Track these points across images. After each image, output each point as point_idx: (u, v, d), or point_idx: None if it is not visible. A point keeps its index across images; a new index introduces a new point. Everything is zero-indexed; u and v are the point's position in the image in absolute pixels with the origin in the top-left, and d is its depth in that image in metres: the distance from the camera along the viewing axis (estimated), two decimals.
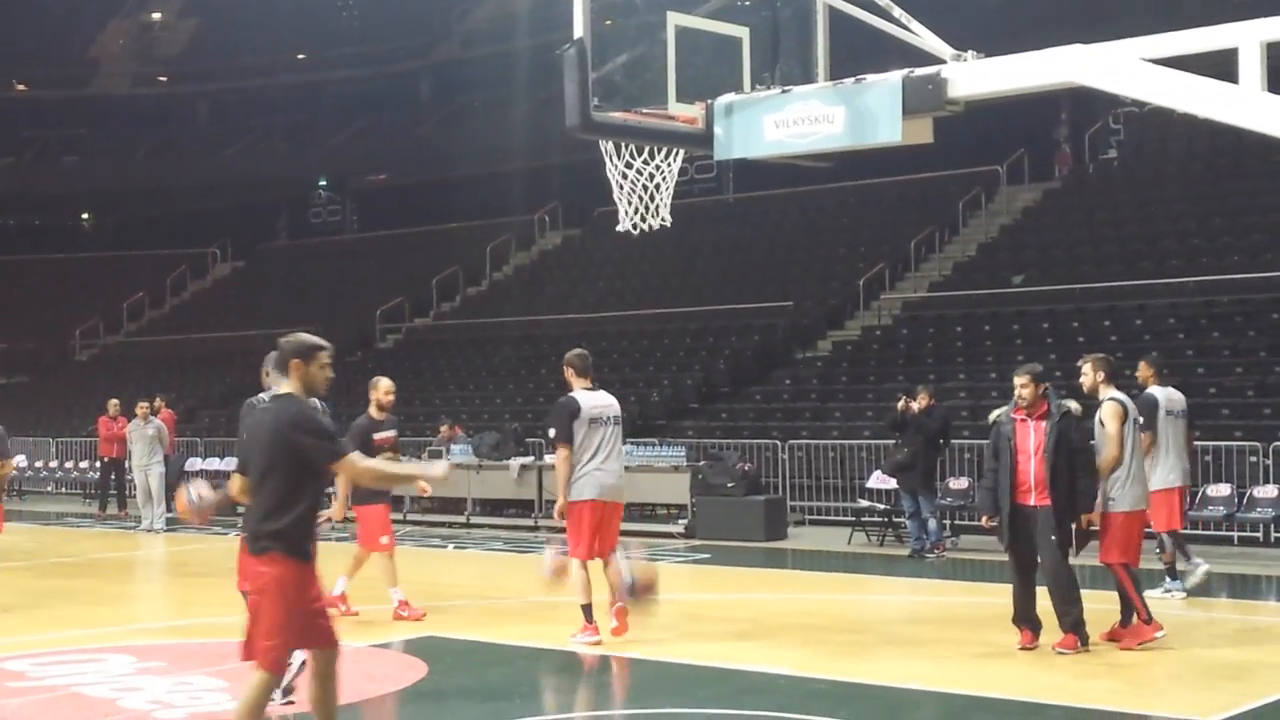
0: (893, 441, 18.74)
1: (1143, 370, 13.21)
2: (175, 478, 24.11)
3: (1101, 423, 10.50)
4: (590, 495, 10.66)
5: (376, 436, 12.19)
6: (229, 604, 13.71)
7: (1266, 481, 17.28)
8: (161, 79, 48.18)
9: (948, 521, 18.27)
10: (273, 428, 6.69)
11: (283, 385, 6.87)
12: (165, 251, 44.00)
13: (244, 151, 46.78)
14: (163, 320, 41.54)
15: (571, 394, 10.87)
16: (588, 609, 10.77)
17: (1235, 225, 25.33)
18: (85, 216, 50.97)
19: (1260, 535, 17.31)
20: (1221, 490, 17.17)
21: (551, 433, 11.33)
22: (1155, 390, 12.83)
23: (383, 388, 12.47)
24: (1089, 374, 10.86)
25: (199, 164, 45.73)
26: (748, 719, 8.48)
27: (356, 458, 6.89)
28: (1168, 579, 13.19)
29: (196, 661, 10.36)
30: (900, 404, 17.04)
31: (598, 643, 10.70)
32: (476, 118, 43.12)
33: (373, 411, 12.44)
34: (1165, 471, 12.63)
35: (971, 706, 9.09)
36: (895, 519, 18.55)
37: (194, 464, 26.91)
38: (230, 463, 26.17)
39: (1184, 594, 13.02)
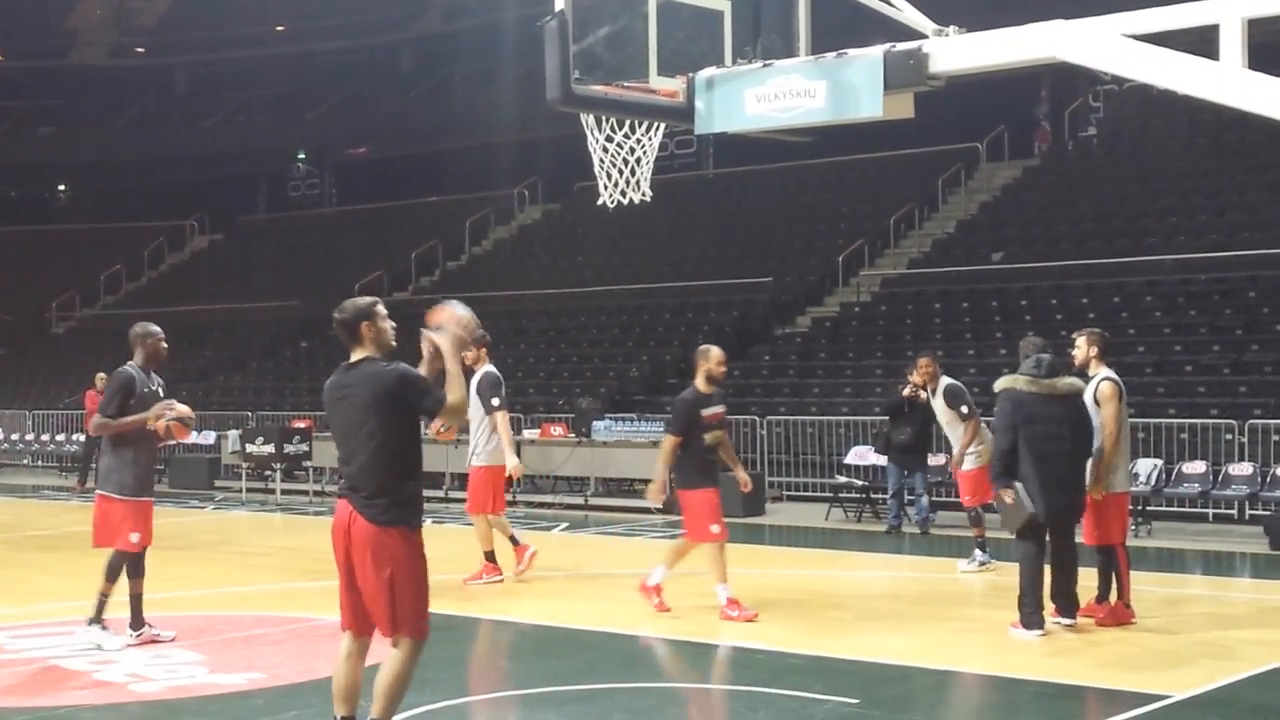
0: (883, 419, 18.80)
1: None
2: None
3: (1097, 402, 10.50)
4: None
5: (705, 412, 11.00)
6: (205, 577, 13.75)
7: (1242, 459, 17.36)
8: (139, 50, 47.92)
9: (938, 498, 18.38)
10: (370, 392, 6.56)
11: (355, 350, 6.78)
12: (143, 224, 43.80)
13: (222, 124, 46.58)
14: (140, 293, 41.37)
15: (693, 387, 11.10)
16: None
17: (1213, 204, 25.41)
18: (62, 188, 50.70)
19: (1235, 512, 17.40)
20: (1197, 468, 17.25)
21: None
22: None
23: (714, 357, 11.03)
24: (1082, 348, 10.85)
25: (177, 136, 45.49)
26: (725, 693, 8.50)
27: (456, 398, 6.59)
28: (977, 551, 13.77)
29: (173, 634, 10.32)
30: (908, 390, 17.00)
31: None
32: (457, 92, 42.99)
33: (700, 384, 11.05)
34: (979, 449, 13.53)
35: (948, 681, 9.13)
36: (873, 495, 18.61)
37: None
38: (208, 436, 26.15)
39: (987, 566, 13.65)
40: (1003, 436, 10.22)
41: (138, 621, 9.90)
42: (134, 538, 9.72)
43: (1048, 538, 10.19)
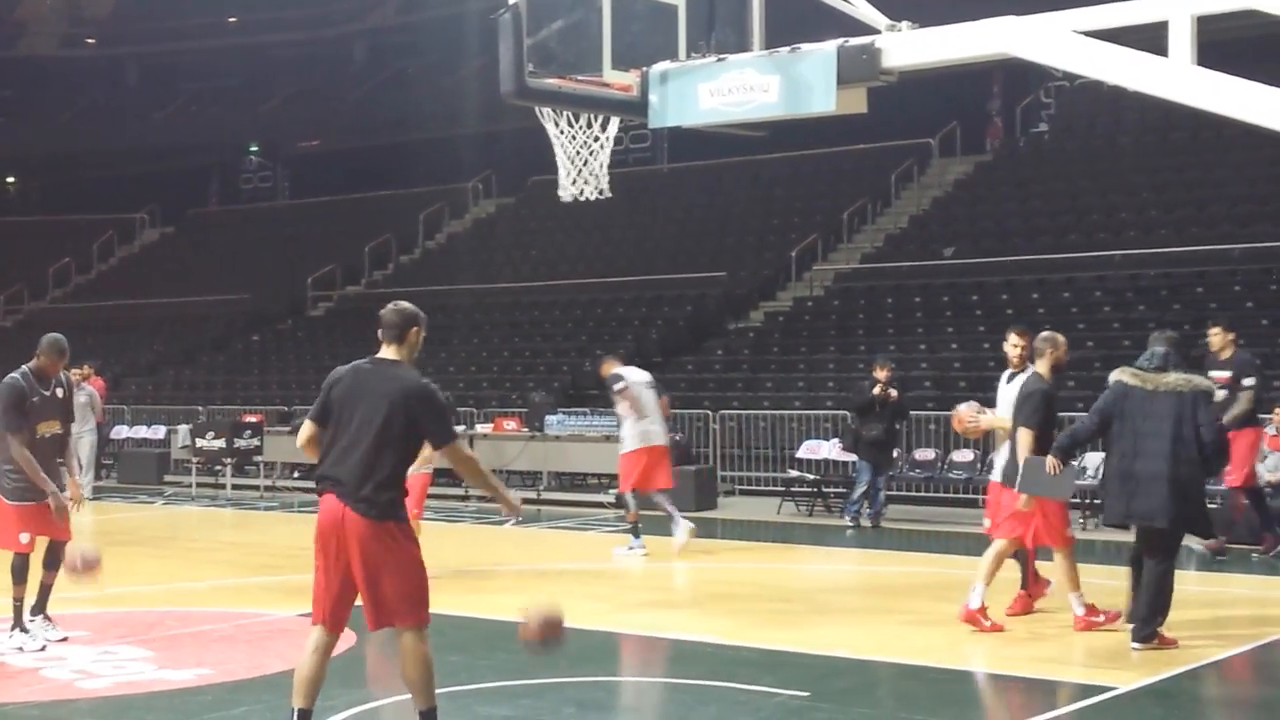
0: (843, 415, 18.94)
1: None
2: (103, 446, 23.90)
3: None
4: None
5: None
6: (154, 573, 13.64)
7: None
8: (90, 41, 47.42)
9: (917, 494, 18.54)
10: (401, 396, 6.64)
11: (393, 350, 6.81)
12: (93, 216, 43.36)
13: (174, 115, 46.19)
14: (90, 286, 40.99)
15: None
16: None
17: (1162, 200, 25.62)
18: (10, 180, 50.17)
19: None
20: None
21: None
22: None
23: (1064, 345, 10.34)
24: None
25: (128, 128, 45.05)
26: (674, 686, 8.50)
27: (462, 444, 6.93)
28: (632, 538, 14.40)
29: (121, 631, 10.25)
30: (877, 389, 17.09)
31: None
32: (411, 85, 42.80)
33: (1045, 372, 10.31)
34: (635, 435, 14.34)
35: (898, 674, 9.17)
36: (825, 489, 18.67)
37: (120, 431, 26.60)
38: (157, 430, 25.95)
39: (643, 551, 14.31)
40: (1087, 418, 9.83)
41: (39, 608, 9.77)
42: (23, 538, 9.59)
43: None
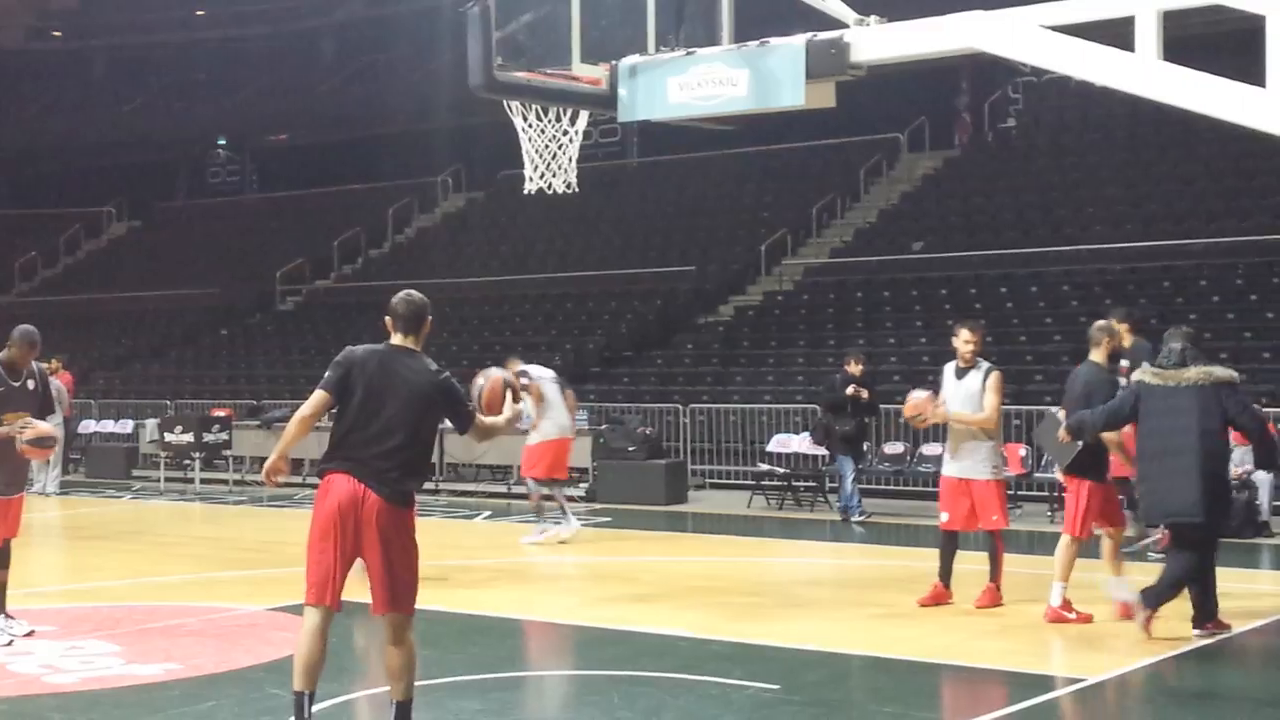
0: (813, 408, 18.99)
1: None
2: (71, 440, 23.77)
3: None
4: None
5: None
6: (122, 568, 13.59)
7: None
8: (56, 34, 47.11)
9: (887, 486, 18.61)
10: (433, 390, 6.78)
11: (409, 340, 6.90)
12: (59, 210, 43.11)
13: (141, 109, 45.89)
14: (56, 280, 40.74)
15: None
16: None
17: (1129, 195, 25.74)
18: None
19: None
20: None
21: None
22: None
23: (1119, 335, 10.37)
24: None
25: (94, 121, 44.74)
26: (645, 680, 8.52)
27: (479, 418, 7.04)
28: (543, 522, 15.07)
29: (89, 626, 10.21)
30: (850, 390, 17.13)
31: None
32: (380, 78, 42.64)
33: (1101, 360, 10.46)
34: (547, 427, 14.98)
35: (868, 666, 9.20)
36: (795, 483, 18.72)
37: (88, 426, 26.47)
38: (125, 425, 25.82)
39: (542, 539, 14.85)
40: (1098, 413, 9.80)
41: None
42: None
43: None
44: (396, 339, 6.91)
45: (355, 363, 6.78)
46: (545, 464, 15.25)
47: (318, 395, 6.77)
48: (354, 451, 6.67)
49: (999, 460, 10.89)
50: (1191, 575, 9.47)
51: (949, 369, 10.96)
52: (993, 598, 10.73)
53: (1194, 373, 9.40)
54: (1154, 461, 9.42)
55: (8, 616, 9.76)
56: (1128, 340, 13.82)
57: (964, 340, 10.86)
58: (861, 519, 16.89)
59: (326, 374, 6.81)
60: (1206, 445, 9.23)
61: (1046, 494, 17.26)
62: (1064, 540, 10.25)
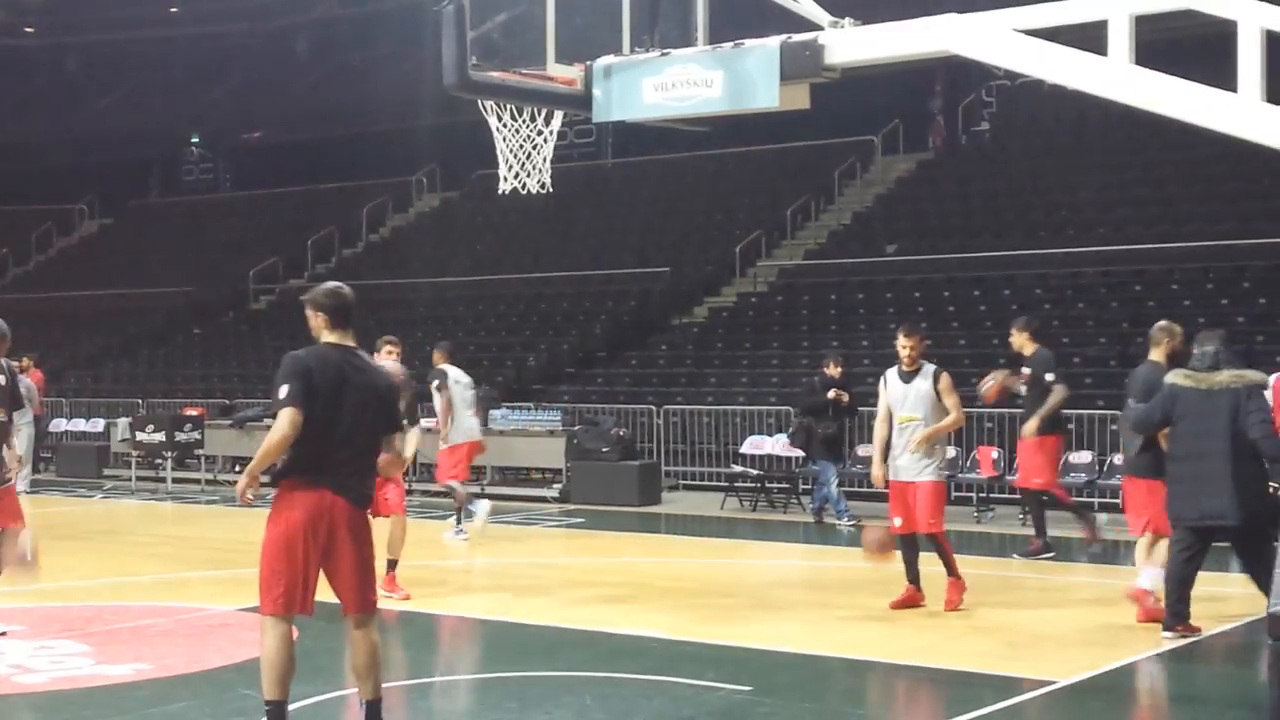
0: (788, 409, 19.01)
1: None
2: (42, 438, 23.63)
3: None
4: None
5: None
6: (93, 568, 13.52)
7: None
8: (29, 29, 46.83)
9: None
10: (386, 391, 6.84)
11: (347, 336, 6.80)
12: (31, 207, 42.84)
13: (114, 106, 45.65)
14: (27, 278, 40.50)
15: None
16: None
17: (1100, 199, 25.84)
18: None
19: (1120, 501, 17.69)
20: (1083, 457, 17.55)
21: None
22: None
23: (1179, 335, 10.33)
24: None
25: (67, 118, 44.48)
26: (618, 682, 8.52)
27: (399, 441, 7.23)
28: (456, 522, 15.50)
29: (59, 626, 10.15)
30: (831, 394, 17.15)
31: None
32: (355, 77, 42.50)
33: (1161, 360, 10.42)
34: (455, 431, 15.27)
35: (841, 668, 9.22)
36: (768, 485, 18.74)
37: (59, 424, 26.33)
38: (97, 424, 25.67)
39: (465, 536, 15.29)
40: (1142, 413, 9.88)
41: None
42: None
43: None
44: (335, 336, 6.76)
45: (311, 368, 6.59)
46: (463, 467, 15.65)
47: (290, 413, 6.47)
48: (318, 460, 6.56)
49: (943, 461, 10.91)
50: (1187, 577, 9.53)
51: (892, 374, 10.86)
52: (956, 591, 10.72)
53: (1226, 376, 9.39)
54: (1186, 464, 9.44)
55: None
56: (1029, 349, 14.04)
57: (902, 345, 10.79)
58: (853, 523, 16.49)
59: (286, 388, 6.50)
60: (1238, 447, 9.23)
61: (1018, 497, 17.33)
62: (1141, 542, 10.40)
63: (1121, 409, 10.88)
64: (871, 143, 30.85)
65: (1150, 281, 22.55)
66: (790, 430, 18.94)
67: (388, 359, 11.59)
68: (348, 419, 6.59)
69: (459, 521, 15.50)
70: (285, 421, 6.48)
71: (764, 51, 8.01)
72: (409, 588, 11.44)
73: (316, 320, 6.80)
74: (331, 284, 6.94)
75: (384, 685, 6.86)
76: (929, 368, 10.77)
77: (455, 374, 15.66)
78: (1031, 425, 13.56)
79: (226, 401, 25.58)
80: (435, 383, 15.39)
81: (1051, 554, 13.82)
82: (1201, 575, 9.63)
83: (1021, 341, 14.09)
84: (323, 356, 6.69)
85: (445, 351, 16.15)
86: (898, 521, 10.81)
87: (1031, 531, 14.20)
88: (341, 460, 6.59)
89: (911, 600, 10.78)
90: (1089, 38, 7.19)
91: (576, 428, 20.41)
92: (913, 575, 10.83)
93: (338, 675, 8.40)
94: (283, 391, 6.52)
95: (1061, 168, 27.34)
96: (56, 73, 46.89)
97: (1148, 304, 21.72)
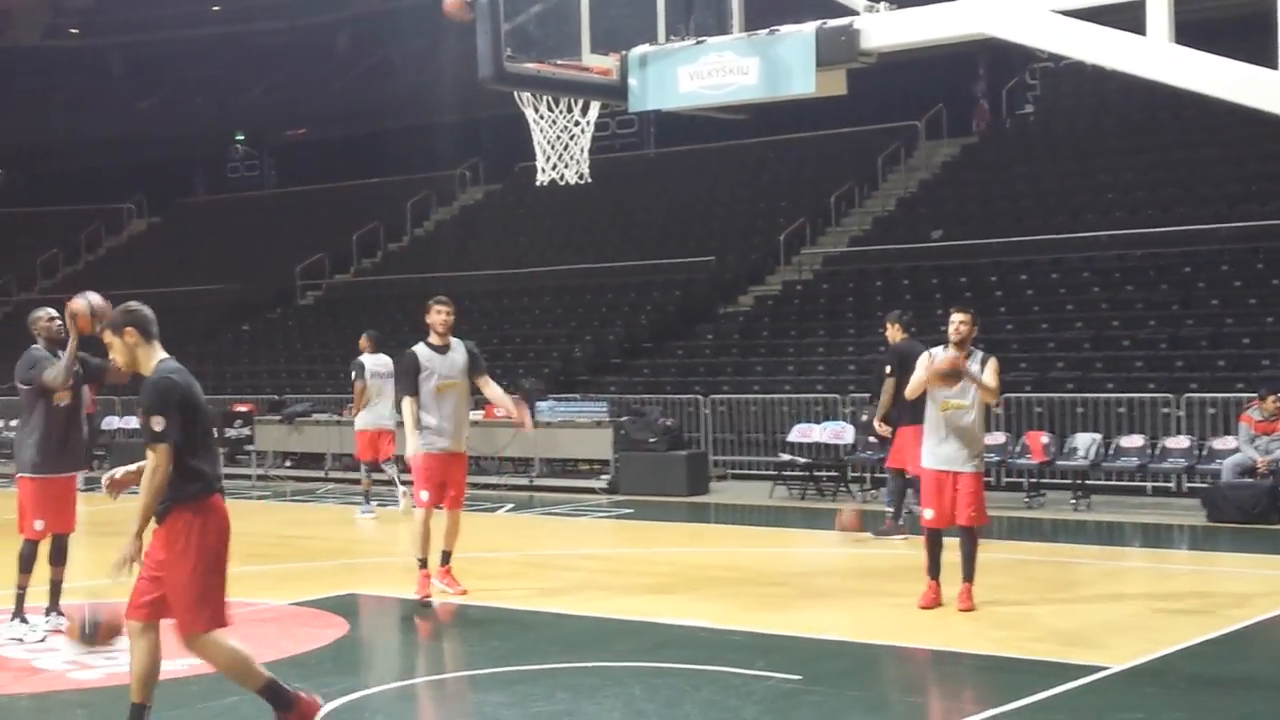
0: (836, 398, 19.02)
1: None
2: (95, 437, 23.85)
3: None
4: None
5: None
6: (93, 566, 13.60)
7: (1179, 432, 17.54)
8: (74, 30, 47.22)
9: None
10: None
11: (161, 349, 6.95)
12: (80, 207, 43.27)
13: (159, 105, 46.02)
14: (77, 277, 40.75)
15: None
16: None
17: (1148, 179, 25.62)
18: None
19: (1173, 485, 17.59)
20: (1135, 441, 17.42)
21: None
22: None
23: None
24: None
25: (113, 118, 44.86)
26: (667, 671, 8.52)
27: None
28: (365, 502, 17.20)
29: None
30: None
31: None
32: (396, 72, 42.68)
33: None
34: (373, 416, 16.81)
35: (890, 656, 9.20)
36: (816, 473, 18.69)
37: (111, 422, 26.59)
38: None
39: (373, 516, 16.85)
40: None
41: (52, 608, 9.76)
42: (38, 525, 9.61)
43: None
44: (161, 349, 6.95)
45: (189, 390, 6.86)
46: (366, 450, 17.25)
47: (167, 449, 6.72)
48: (211, 471, 6.90)
49: (982, 451, 10.50)
50: None
51: (939, 352, 10.48)
52: (969, 597, 10.29)
53: None
54: None
55: (59, 615, 9.76)
56: (898, 338, 14.10)
57: (959, 320, 10.47)
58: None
59: (163, 422, 6.72)
60: None
61: (1069, 481, 17.24)
62: None
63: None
64: (915, 128, 30.69)
65: (1200, 263, 22.33)
66: (863, 417, 18.20)
67: (437, 318, 11.70)
68: (210, 429, 7.19)
69: (367, 501, 17.25)
70: (165, 459, 6.77)
71: (799, 38, 7.97)
72: (463, 579, 11.47)
73: (142, 337, 6.87)
74: (134, 303, 6.99)
75: (441, 677, 6.90)
76: (978, 353, 10.60)
77: (374, 363, 16.91)
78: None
79: (276, 397, 25.74)
80: (353, 372, 16.97)
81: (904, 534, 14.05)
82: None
83: (894, 334, 14.45)
84: (183, 373, 6.96)
85: (371, 339, 17.32)
86: (928, 514, 10.38)
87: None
88: (218, 468, 7.03)
89: (937, 598, 10.45)
90: (1128, 18, 7.11)
91: (623, 418, 20.39)
92: (936, 569, 10.50)
93: (388, 669, 8.45)
94: (160, 423, 6.75)
95: (1107, 149, 27.12)
96: (102, 73, 47.29)
97: (1197, 285, 21.54)
